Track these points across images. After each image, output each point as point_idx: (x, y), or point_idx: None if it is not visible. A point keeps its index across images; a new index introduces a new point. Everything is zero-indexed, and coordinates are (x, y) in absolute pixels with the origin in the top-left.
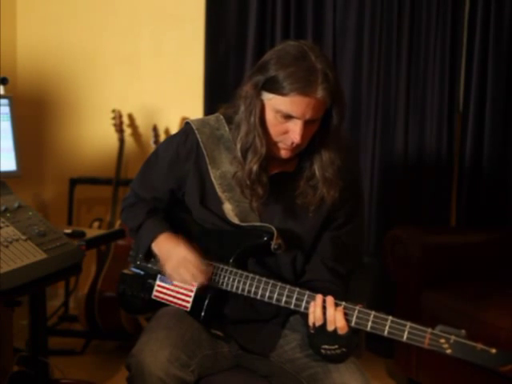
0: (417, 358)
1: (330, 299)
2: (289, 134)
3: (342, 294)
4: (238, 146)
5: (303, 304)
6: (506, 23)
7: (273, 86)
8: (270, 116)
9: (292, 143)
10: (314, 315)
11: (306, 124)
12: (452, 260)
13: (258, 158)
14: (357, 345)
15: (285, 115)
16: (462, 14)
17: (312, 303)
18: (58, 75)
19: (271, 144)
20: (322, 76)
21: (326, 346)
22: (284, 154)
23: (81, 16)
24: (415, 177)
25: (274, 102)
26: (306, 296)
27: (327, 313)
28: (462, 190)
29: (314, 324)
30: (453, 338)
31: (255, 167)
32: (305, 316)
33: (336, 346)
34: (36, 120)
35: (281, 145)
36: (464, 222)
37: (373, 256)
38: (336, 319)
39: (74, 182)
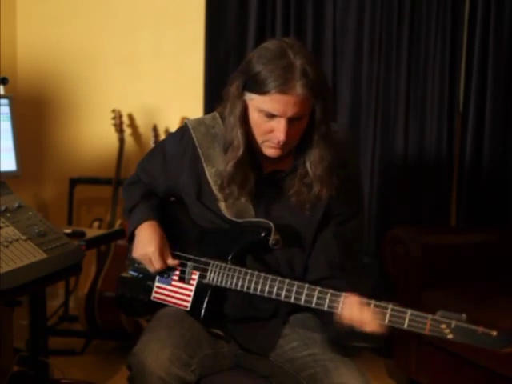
0: (417, 358)
1: (360, 302)
2: (274, 132)
3: (352, 287)
4: (222, 146)
5: (303, 297)
6: (506, 23)
7: (253, 86)
8: (254, 116)
9: (278, 142)
10: (352, 317)
11: (292, 121)
12: (452, 260)
13: (235, 157)
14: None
15: (268, 114)
16: (462, 14)
17: (345, 302)
18: (57, 75)
19: (259, 143)
20: (300, 72)
21: (363, 344)
22: (272, 152)
23: (81, 16)
24: (415, 177)
25: (255, 102)
26: (305, 289)
27: (364, 315)
28: (461, 190)
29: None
30: (454, 322)
31: (229, 167)
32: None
33: (367, 344)
34: (36, 120)
35: (268, 143)
36: (464, 222)
37: (373, 256)
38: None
39: (73, 182)
